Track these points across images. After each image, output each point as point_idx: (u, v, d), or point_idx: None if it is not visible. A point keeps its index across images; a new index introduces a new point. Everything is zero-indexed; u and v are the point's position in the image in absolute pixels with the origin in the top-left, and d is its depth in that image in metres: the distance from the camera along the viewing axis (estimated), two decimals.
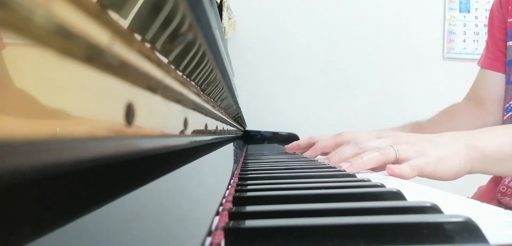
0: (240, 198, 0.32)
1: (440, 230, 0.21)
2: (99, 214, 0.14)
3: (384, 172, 0.57)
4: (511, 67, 0.90)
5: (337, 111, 1.95)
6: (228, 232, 0.22)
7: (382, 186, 0.37)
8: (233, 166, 0.57)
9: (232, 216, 0.26)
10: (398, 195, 0.32)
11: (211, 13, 0.30)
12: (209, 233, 0.22)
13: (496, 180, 0.93)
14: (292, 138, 1.41)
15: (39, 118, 0.11)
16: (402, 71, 1.99)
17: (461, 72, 1.76)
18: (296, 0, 1.95)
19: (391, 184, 0.40)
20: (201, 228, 0.21)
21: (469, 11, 2.02)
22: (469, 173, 0.60)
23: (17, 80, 0.10)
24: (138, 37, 0.18)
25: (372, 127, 0.98)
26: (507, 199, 0.86)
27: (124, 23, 0.16)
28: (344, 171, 0.52)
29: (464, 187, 0.85)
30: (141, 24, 0.18)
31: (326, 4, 1.97)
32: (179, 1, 0.21)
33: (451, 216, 0.22)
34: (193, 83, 0.34)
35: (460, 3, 2.02)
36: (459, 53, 1.98)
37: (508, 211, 0.30)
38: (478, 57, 1.05)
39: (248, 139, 1.53)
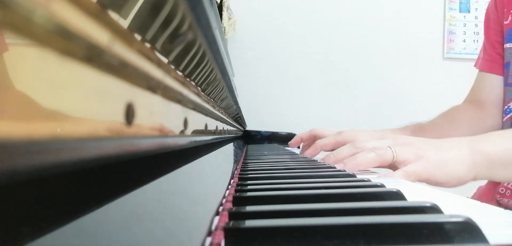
0: (240, 198, 0.32)
1: (440, 230, 0.21)
2: (99, 214, 0.14)
3: (387, 171, 0.56)
4: (508, 69, 0.90)
5: (337, 111, 1.95)
6: (228, 232, 0.22)
7: (382, 186, 0.37)
8: (233, 166, 0.57)
9: (232, 216, 0.26)
10: (398, 195, 0.32)
11: (211, 13, 0.30)
12: (209, 233, 0.22)
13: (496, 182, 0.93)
14: (292, 138, 1.41)
15: (39, 119, 0.11)
16: (402, 71, 1.99)
17: (461, 72, 1.76)
18: (296, 0, 1.95)
19: (391, 184, 0.40)
20: (201, 228, 0.21)
21: (469, 11, 2.02)
22: (474, 179, 0.57)
23: (17, 80, 0.10)
24: (138, 37, 0.18)
25: (372, 127, 0.98)
26: (506, 200, 0.86)
27: (124, 23, 0.16)
28: (344, 171, 0.52)
29: (464, 187, 0.85)
30: (141, 24, 0.18)
31: (326, 4, 1.97)
32: (179, 1, 0.21)
33: (451, 216, 0.22)
34: (193, 83, 0.34)
35: (460, 3, 2.02)
36: (459, 53, 1.98)
37: (508, 211, 0.30)
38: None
39: (248, 139, 1.52)
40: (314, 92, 1.97)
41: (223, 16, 1.62)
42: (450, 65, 1.98)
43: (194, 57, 0.30)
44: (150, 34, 0.20)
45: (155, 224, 0.18)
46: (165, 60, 0.23)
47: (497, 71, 0.95)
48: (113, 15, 0.15)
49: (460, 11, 2.02)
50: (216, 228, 0.24)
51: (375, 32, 1.98)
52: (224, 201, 0.32)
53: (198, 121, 0.37)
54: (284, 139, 1.47)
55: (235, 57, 1.75)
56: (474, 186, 1.02)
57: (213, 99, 0.50)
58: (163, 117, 0.24)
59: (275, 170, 0.53)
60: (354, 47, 1.97)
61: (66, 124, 0.12)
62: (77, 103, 0.13)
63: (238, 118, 1.15)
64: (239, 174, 0.48)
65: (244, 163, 0.66)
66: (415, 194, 0.36)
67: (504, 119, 0.93)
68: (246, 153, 0.96)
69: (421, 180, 0.54)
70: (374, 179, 0.43)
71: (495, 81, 0.96)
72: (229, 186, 0.39)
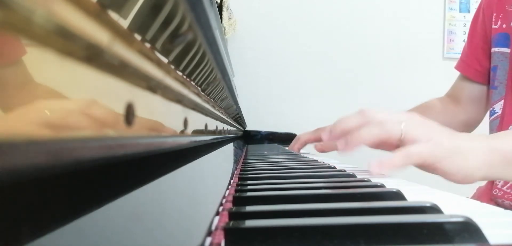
0: (240, 198, 0.32)
1: (440, 230, 0.22)
2: (99, 214, 0.14)
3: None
4: (495, 72, 0.92)
5: (337, 111, 1.94)
6: (228, 232, 0.22)
7: (382, 186, 0.37)
8: (233, 166, 0.57)
9: (232, 216, 0.26)
10: (398, 195, 0.32)
11: (211, 13, 0.30)
12: (209, 233, 0.22)
13: (493, 181, 0.93)
14: (292, 137, 1.41)
15: (39, 118, 0.11)
16: (402, 71, 1.99)
17: None
18: (296, 0, 1.95)
19: (391, 183, 0.40)
20: (201, 228, 0.21)
21: (469, 11, 2.02)
22: (482, 179, 0.54)
23: (17, 80, 0.10)
24: (138, 37, 0.18)
25: None
26: (499, 200, 0.87)
27: (124, 23, 0.16)
28: (344, 171, 0.52)
29: (464, 187, 0.85)
30: (141, 24, 0.18)
31: (326, 4, 1.97)
32: (179, 1, 0.21)
33: (451, 216, 0.22)
34: (193, 83, 0.34)
35: (460, 3, 2.02)
36: (459, 53, 1.97)
37: (508, 211, 0.30)
38: None
39: (248, 139, 1.52)
40: (314, 92, 1.97)
41: (223, 16, 1.62)
42: (450, 65, 1.97)
43: (194, 57, 0.30)
44: (150, 34, 0.20)
45: (155, 224, 0.18)
46: (165, 60, 0.23)
47: (472, 76, 0.99)
48: (113, 15, 0.15)
49: (460, 11, 2.02)
50: (216, 228, 0.24)
51: (375, 32, 1.98)
52: (224, 201, 0.32)
53: (198, 121, 0.37)
54: (284, 139, 1.47)
55: (235, 57, 1.75)
56: (474, 186, 1.02)
57: (213, 99, 0.50)
58: (163, 117, 0.24)
59: (275, 170, 0.53)
60: (354, 47, 1.97)
61: (66, 124, 0.12)
62: (77, 103, 0.13)
63: (238, 118, 1.15)
64: (239, 174, 0.48)
65: (244, 163, 0.65)
66: (415, 194, 0.36)
67: (489, 120, 0.95)
68: (246, 153, 0.96)
69: (424, 164, 0.50)
70: (374, 180, 0.43)
71: (469, 85, 1.00)
72: (229, 186, 0.39)
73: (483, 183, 0.98)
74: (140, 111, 0.18)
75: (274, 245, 0.21)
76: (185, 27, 0.24)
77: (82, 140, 0.13)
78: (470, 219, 0.22)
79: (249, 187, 0.38)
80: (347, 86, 1.97)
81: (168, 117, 0.25)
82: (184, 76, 0.29)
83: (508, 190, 0.87)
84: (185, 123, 0.30)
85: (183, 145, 0.32)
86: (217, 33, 0.35)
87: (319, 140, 1.05)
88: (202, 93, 0.39)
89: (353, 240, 0.21)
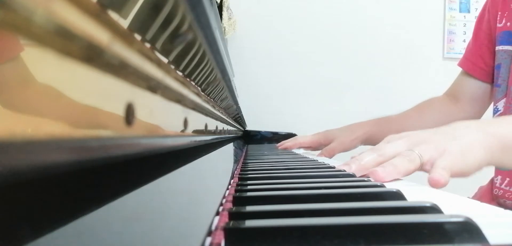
0: (240, 198, 0.32)
1: (440, 230, 0.21)
2: (99, 214, 0.14)
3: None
4: (499, 70, 0.93)
5: (337, 111, 1.95)
6: (228, 232, 0.22)
7: (382, 186, 0.37)
8: (233, 166, 0.57)
9: (232, 216, 0.26)
10: (398, 195, 0.32)
11: (211, 13, 0.30)
12: (209, 233, 0.22)
13: (493, 182, 0.94)
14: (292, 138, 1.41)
15: (39, 118, 0.11)
16: (402, 71, 1.98)
17: None
18: (296, 0, 1.95)
19: (391, 184, 0.40)
20: (201, 228, 0.21)
21: (469, 11, 2.02)
22: (488, 165, 0.54)
23: (16, 80, 0.10)
24: (138, 37, 0.18)
25: None
26: (501, 200, 0.88)
27: (124, 23, 0.16)
28: (344, 170, 0.52)
29: (464, 187, 0.85)
30: (141, 24, 0.18)
31: (326, 3, 1.97)
32: (179, 1, 0.21)
33: (451, 216, 0.22)
34: (193, 83, 0.34)
35: (460, 3, 2.02)
36: (459, 53, 1.98)
37: (508, 211, 0.30)
38: None
39: (248, 139, 1.53)
40: (314, 92, 1.97)
41: (223, 16, 1.62)
42: (450, 65, 1.97)
43: (194, 57, 0.30)
44: (150, 34, 0.20)
45: (155, 224, 0.18)
46: (165, 60, 0.23)
47: (476, 74, 0.99)
48: (113, 15, 0.15)
49: (460, 11, 2.02)
50: (216, 228, 0.24)
51: (375, 32, 1.98)
52: (224, 201, 0.32)
53: (198, 121, 0.37)
54: (284, 139, 1.47)
55: (235, 57, 1.75)
56: (474, 186, 1.02)
57: (213, 99, 0.50)
58: (163, 117, 0.24)
59: (275, 170, 0.53)
60: (354, 47, 1.97)
61: (66, 124, 0.12)
62: (77, 103, 0.13)
63: (238, 118, 1.15)
64: (239, 174, 0.48)
65: (244, 163, 0.66)
66: (415, 194, 0.36)
67: (493, 117, 0.95)
68: (246, 153, 0.96)
69: (453, 176, 0.51)
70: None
71: (472, 82, 1.00)
72: (229, 186, 0.39)
73: (484, 183, 0.98)
74: (140, 112, 0.18)
75: (274, 245, 0.21)
76: (185, 27, 0.24)
77: (82, 140, 0.13)
78: (470, 219, 0.22)
79: (249, 187, 0.38)
80: (347, 86, 1.97)
81: (168, 117, 0.25)
82: (184, 76, 0.29)
83: (507, 188, 0.87)
84: (185, 123, 0.30)
85: (183, 145, 0.32)
86: (217, 33, 0.35)
87: (316, 147, 1.07)
88: (202, 93, 0.39)
89: (353, 240, 0.21)
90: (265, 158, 0.78)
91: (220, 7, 1.58)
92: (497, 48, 0.94)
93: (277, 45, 1.95)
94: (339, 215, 0.25)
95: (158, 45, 0.21)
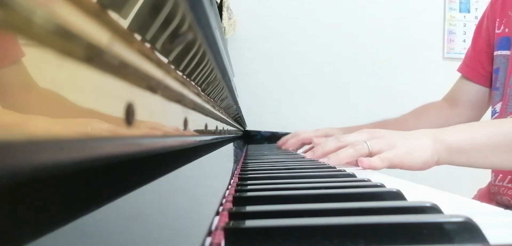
0: (240, 198, 0.32)
1: (440, 230, 0.21)
2: (99, 214, 0.14)
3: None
4: (497, 74, 0.96)
5: (337, 111, 1.95)
6: (228, 232, 0.22)
7: (382, 186, 0.37)
8: (233, 166, 0.57)
9: (232, 216, 0.26)
10: (398, 195, 0.32)
11: (211, 13, 0.30)
12: (209, 233, 0.22)
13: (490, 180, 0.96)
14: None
15: (39, 118, 0.11)
16: (402, 72, 1.98)
17: None
18: (296, 0, 1.95)
19: (391, 183, 0.40)
20: (201, 228, 0.21)
21: (469, 11, 2.02)
22: (437, 164, 0.66)
23: (16, 80, 0.10)
24: (138, 37, 0.18)
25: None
26: (498, 197, 0.89)
27: (124, 23, 0.16)
28: (344, 171, 0.52)
29: (464, 188, 0.86)
30: (141, 24, 0.18)
31: (326, 3, 1.97)
32: (179, 1, 0.21)
33: (451, 216, 0.22)
34: (193, 83, 0.34)
35: (460, 3, 2.02)
36: (459, 53, 1.98)
37: (508, 211, 0.30)
38: None
39: (248, 139, 1.52)
40: (314, 92, 1.97)
41: (223, 16, 1.62)
42: (450, 65, 1.97)
43: (194, 57, 0.30)
44: (150, 34, 0.20)
45: (155, 224, 0.18)
46: (165, 60, 0.23)
47: (475, 79, 1.03)
48: (113, 15, 0.15)
49: (460, 11, 2.02)
50: (216, 228, 0.24)
51: (375, 32, 1.98)
52: (224, 201, 0.32)
53: (198, 121, 0.37)
54: None
55: (235, 57, 1.75)
56: (474, 187, 1.02)
57: (213, 99, 0.50)
58: (163, 117, 0.24)
59: (275, 170, 0.53)
60: (354, 47, 1.97)
61: (66, 124, 0.12)
62: (77, 104, 0.13)
63: (238, 118, 1.15)
64: (239, 174, 0.48)
65: (244, 163, 0.66)
66: (415, 194, 0.36)
67: (491, 118, 0.98)
68: (246, 153, 0.96)
69: (393, 165, 0.64)
70: (374, 179, 0.43)
71: (472, 87, 1.04)
72: (229, 186, 0.39)
73: (483, 184, 0.99)
74: (140, 111, 0.18)
75: (274, 245, 0.21)
76: (185, 27, 0.24)
77: (82, 140, 0.13)
78: (470, 219, 0.22)
79: (249, 187, 0.38)
80: (347, 86, 1.97)
81: (168, 117, 0.25)
82: (184, 76, 0.29)
83: (503, 183, 0.88)
84: (185, 123, 0.30)
85: (183, 145, 0.32)
86: (217, 33, 0.35)
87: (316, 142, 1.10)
88: (202, 93, 0.39)
89: (353, 240, 0.21)
90: (265, 158, 0.78)
91: (220, 7, 1.58)
92: (495, 53, 0.97)
93: (277, 45, 1.95)
94: (339, 215, 0.25)
95: (158, 45, 0.21)
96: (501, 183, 0.90)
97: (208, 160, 0.41)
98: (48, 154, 0.11)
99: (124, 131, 0.17)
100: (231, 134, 0.88)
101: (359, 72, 1.97)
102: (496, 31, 0.96)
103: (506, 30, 0.94)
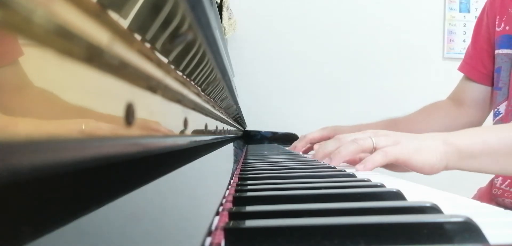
0: (240, 198, 0.32)
1: (440, 230, 0.21)
2: (99, 214, 0.14)
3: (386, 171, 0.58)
4: (499, 74, 0.94)
5: (337, 111, 1.95)
6: (228, 232, 0.22)
7: (382, 186, 0.37)
8: (233, 166, 0.57)
9: (232, 216, 0.26)
10: (398, 195, 0.32)
11: (211, 13, 0.30)
12: (209, 233, 0.22)
13: (493, 181, 0.95)
14: (292, 137, 1.41)
15: (39, 118, 0.11)
16: (402, 72, 1.98)
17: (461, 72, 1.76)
18: (296, 0, 1.95)
19: (391, 183, 0.40)
20: (201, 228, 0.21)
21: (469, 11, 2.02)
22: (446, 168, 0.63)
23: (16, 80, 0.10)
24: (138, 37, 0.18)
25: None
26: (499, 199, 0.88)
27: (124, 23, 0.16)
28: (344, 170, 0.52)
29: (464, 188, 0.85)
30: (141, 24, 0.18)
31: (326, 3, 1.97)
32: (179, 1, 0.21)
33: (451, 216, 0.22)
34: (193, 83, 0.34)
35: (460, 3, 2.02)
36: (459, 53, 1.98)
37: (508, 211, 0.30)
38: None
39: (248, 139, 1.52)
40: (314, 92, 1.97)
41: (223, 16, 1.62)
42: (450, 65, 1.97)
43: (194, 57, 0.30)
44: (150, 34, 0.20)
45: (155, 224, 0.18)
46: (165, 60, 0.23)
47: (476, 78, 1.01)
48: (113, 15, 0.15)
49: (460, 11, 2.02)
50: (216, 228, 0.24)
51: (375, 32, 1.98)
52: (224, 201, 0.32)
53: (198, 121, 0.37)
54: (284, 139, 1.48)
55: (235, 57, 1.75)
56: (474, 187, 1.02)
57: (213, 99, 0.50)
58: (163, 117, 0.24)
59: (275, 170, 0.53)
60: (354, 47, 1.97)
61: (66, 124, 0.12)
62: (77, 104, 0.13)
63: (238, 118, 1.15)
64: (239, 174, 0.48)
65: (244, 163, 0.66)
66: (415, 194, 0.36)
67: (493, 121, 0.96)
68: (246, 153, 0.96)
69: (398, 162, 0.61)
70: (374, 179, 0.43)
71: (473, 86, 1.02)
72: (229, 186, 0.39)
73: (484, 184, 0.99)
74: (140, 111, 0.18)
75: (274, 245, 0.21)
76: (185, 27, 0.24)
77: (82, 140, 0.13)
78: (470, 219, 0.22)
79: (249, 187, 0.38)
80: (347, 86, 1.97)
81: (168, 117, 0.25)
82: (184, 76, 0.29)
83: (507, 188, 0.87)
84: (185, 123, 0.30)
85: (183, 145, 0.32)
86: (217, 33, 0.35)
87: (325, 138, 1.07)
88: (202, 93, 0.39)
89: (353, 240, 0.21)
90: (265, 158, 0.78)
91: (220, 7, 1.58)
92: (496, 51, 0.95)
93: (277, 45, 1.95)
94: (339, 215, 0.25)
95: (158, 45, 0.21)
96: (502, 186, 0.89)
97: (208, 160, 0.41)
98: (48, 153, 0.11)
99: (124, 131, 0.17)
100: (231, 134, 0.88)
101: (359, 72, 1.97)
102: (496, 28, 0.95)
103: (507, 28, 0.92)
